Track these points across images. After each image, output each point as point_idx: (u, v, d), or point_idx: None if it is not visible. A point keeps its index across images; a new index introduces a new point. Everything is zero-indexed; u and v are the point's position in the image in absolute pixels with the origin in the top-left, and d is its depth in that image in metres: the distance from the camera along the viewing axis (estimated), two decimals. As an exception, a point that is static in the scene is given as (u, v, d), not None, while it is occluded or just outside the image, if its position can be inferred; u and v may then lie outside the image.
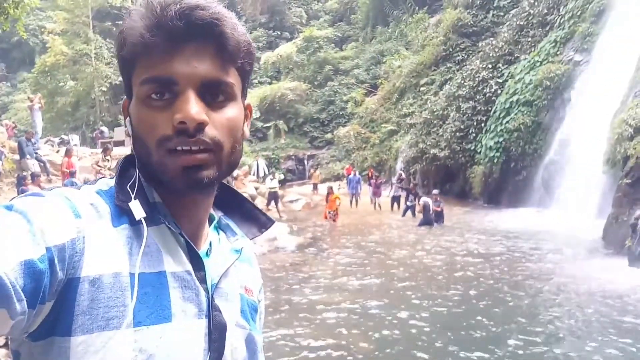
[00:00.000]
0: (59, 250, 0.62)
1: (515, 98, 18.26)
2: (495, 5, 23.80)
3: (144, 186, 0.76)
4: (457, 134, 20.40)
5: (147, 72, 0.71)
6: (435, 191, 15.62)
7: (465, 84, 21.12)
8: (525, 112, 17.64)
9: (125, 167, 0.77)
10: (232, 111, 0.75)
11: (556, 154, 16.17)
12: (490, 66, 20.55)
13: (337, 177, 26.08)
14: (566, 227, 12.77)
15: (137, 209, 0.72)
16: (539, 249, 11.10)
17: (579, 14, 17.75)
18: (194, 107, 0.69)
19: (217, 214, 0.90)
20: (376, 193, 19.18)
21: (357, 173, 21.27)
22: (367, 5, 33.99)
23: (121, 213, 0.72)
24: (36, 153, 14.27)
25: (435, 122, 21.76)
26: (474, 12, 24.27)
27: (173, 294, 0.72)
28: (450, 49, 24.48)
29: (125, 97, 0.80)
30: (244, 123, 0.80)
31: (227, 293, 0.82)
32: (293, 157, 29.17)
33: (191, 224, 0.79)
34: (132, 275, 0.68)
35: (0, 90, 41.60)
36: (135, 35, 0.70)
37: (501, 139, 18.22)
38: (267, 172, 21.11)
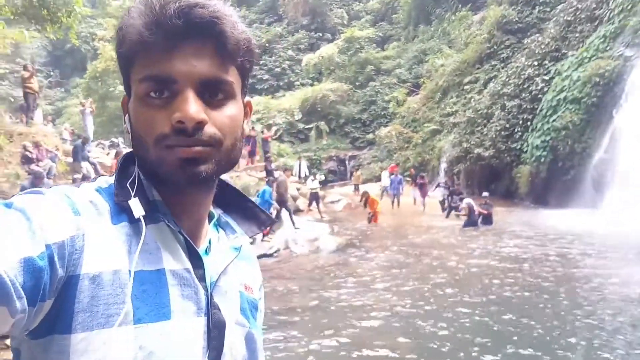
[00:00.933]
0: (59, 247, 0.62)
1: (562, 95, 17.69)
2: (541, 0, 23.14)
3: (144, 184, 0.76)
4: (502, 132, 19.94)
5: (146, 71, 0.71)
6: (484, 194, 15.24)
7: (510, 81, 20.63)
8: (573, 109, 17.06)
9: (125, 165, 0.77)
10: (231, 109, 0.75)
11: (606, 153, 15.57)
12: (536, 63, 19.99)
13: (379, 178, 25.92)
14: (617, 228, 12.27)
15: (137, 207, 0.72)
16: (588, 252, 10.70)
17: (629, 7, 17.04)
18: (193, 107, 0.69)
19: (217, 212, 0.90)
20: (422, 193, 19.00)
21: (398, 173, 21.10)
22: (409, 4, 33.66)
23: (120, 211, 0.73)
24: (88, 156, 14.85)
25: (479, 121, 21.35)
26: (519, 8, 23.67)
27: (172, 292, 0.72)
28: (495, 47, 23.95)
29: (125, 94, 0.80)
30: (243, 121, 0.80)
31: (227, 291, 0.81)
32: (334, 157, 29.19)
33: (190, 222, 0.79)
34: (131, 272, 0.68)
35: (55, 96, 43.39)
36: (134, 33, 0.70)
37: (548, 138, 17.68)
38: (308, 173, 21.22)
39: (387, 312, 7.22)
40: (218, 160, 0.73)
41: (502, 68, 22.57)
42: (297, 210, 15.12)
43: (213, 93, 0.73)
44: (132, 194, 0.73)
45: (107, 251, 0.68)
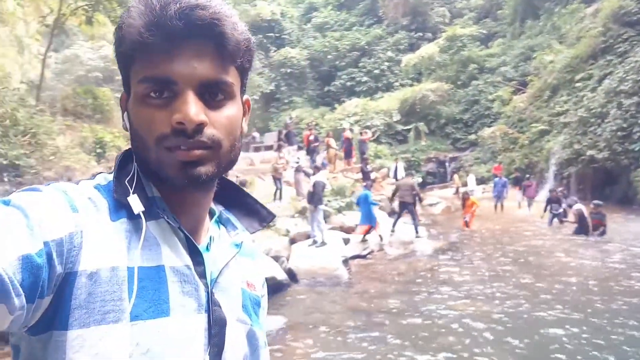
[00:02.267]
0: (57, 244, 0.62)
1: (689, 91, 15.93)
2: (666, -12, 21.00)
3: (143, 181, 0.76)
4: (619, 133, 18.33)
5: (146, 71, 0.71)
6: (595, 201, 13.95)
7: (628, 78, 18.91)
8: None
9: (123, 162, 0.77)
10: (231, 110, 0.75)
11: None
12: (659, 57, 18.18)
13: (482, 181, 24.94)
14: None
15: (136, 203, 0.72)
16: None
17: None
18: (193, 108, 0.69)
19: (218, 209, 0.90)
20: (529, 194, 18.05)
21: (502, 176, 20.18)
22: (516, -1, 32.08)
23: (119, 207, 0.72)
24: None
25: (592, 120, 19.81)
26: (639, -3, 21.65)
27: (172, 288, 0.72)
28: (611, 40, 22.05)
29: (123, 91, 0.80)
30: (242, 119, 0.80)
31: (228, 288, 0.81)
32: (434, 159, 28.52)
33: (190, 218, 0.79)
34: (130, 269, 0.68)
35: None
36: (134, 34, 0.70)
37: (673, 138, 16.01)
38: (404, 175, 20.93)
39: (483, 320, 6.94)
40: (218, 162, 0.74)
41: (619, 63, 20.72)
42: (393, 212, 14.96)
43: (213, 94, 0.73)
44: (131, 191, 0.73)
45: (106, 248, 0.68)
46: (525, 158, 24.18)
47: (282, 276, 9.02)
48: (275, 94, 35.26)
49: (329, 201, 13.89)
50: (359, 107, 30.47)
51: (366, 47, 35.82)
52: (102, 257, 0.67)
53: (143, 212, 0.72)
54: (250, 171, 17.55)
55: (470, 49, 31.78)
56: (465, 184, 21.88)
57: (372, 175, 18.60)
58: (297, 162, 14.92)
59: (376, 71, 34.86)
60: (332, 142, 19.95)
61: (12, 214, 0.61)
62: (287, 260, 10.14)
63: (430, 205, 20.33)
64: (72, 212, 0.67)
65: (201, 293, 0.75)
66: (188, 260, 0.76)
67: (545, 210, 15.58)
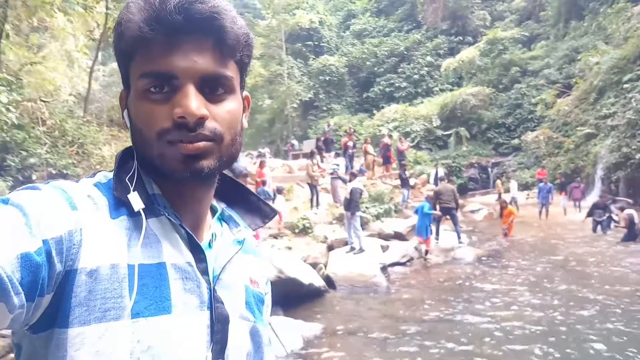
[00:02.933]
0: (57, 242, 0.62)
1: None
2: None
3: (143, 178, 0.76)
4: (671, 135, 17.55)
5: (146, 66, 0.71)
6: None
7: (681, 77, 18.10)
8: None
9: (124, 160, 0.77)
10: (231, 104, 0.75)
11: None
12: None
13: (525, 186, 24.30)
14: None
15: (136, 200, 0.71)
16: None
17: None
18: (194, 102, 0.69)
19: (220, 206, 0.89)
20: (575, 196, 17.45)
21: (547, 181, 19.61)
22: (559, 0, 31.21)
23: (119, 205, 0.72)
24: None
25: (642, 123, 19.03)
26: (691, -7, 20.72)
27: (173, 286, 0.71)
28: (662, 39, 21.18)
29: (123, 89, 0.80)
30: (242, 115, 0.80)
31: (231, 285, 0.80)
32: (476, 164, 27.98)
33: (192, 215, 0.79)
34: (130, 266, 0.68)
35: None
36: (134, 29, 0.70)
37: None
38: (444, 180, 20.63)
39: (524, 330, 6.74)
40: (219, 156, 0.74)
41: (671, 63, 19.87)
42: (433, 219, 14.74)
43: (213, 88, 0.73)
44: (131, 188, 0.73)
45: (106, 245, 0.67)
46: (570, 162, 23.41)
47: (319, 283, 9.02)
48: (313, 101, 35.44)
49: (366, 208, 13.82)
50: (398, 113, 30.27)
51: (405, 52, 35.59)
52: (102, 255, 0.67)
53: (143, 209, 0.72)
54: (288, 178, 17.66)
55: (512, 52, 31.10)
56: (507, 190, 21.31)
57: (412, 182, 18.41)
58: (334, 169, 14.89)
59: (415, 76, 34.58)
60: (370, 148, 19.86)
61: (11, 212, 0.61)
62: (325, 266, 10.14)
63: (472, 211, 19.95)
64: (71, 210, 0.66)
65: (203, 290, 0.75)
66: (190, 257, 0.75)
67: (588, 216, 15.01)
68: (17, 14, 10.03)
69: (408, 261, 11.52)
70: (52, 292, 0.63)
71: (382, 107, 32.57)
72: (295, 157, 25.05)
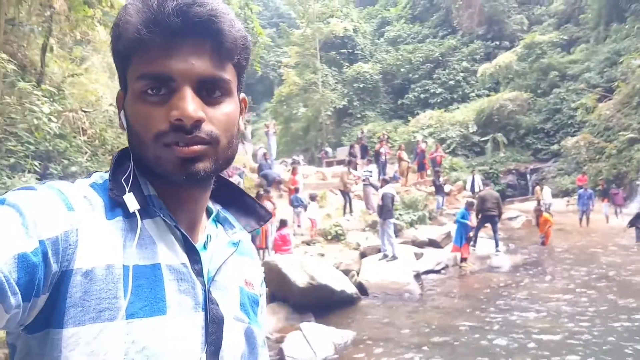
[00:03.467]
0: (53, 243, 0.62)
1: None
2: None
3: (139, 180, 0.76)
4: None
5: (144, 68, 0.71)
6: None
7: None
8: None
9: (120, 161, 0.77)
10: (228, 107, 0.75)
11: None
12: None
13: (566, 193, 23.63)
14: None
15: (131, 201, 0.72)
16: None
17: None
18: (191, 105, 0.69)
19: (216, 208, 0.90)
20: (617, 202, 16.88)
21: (587, 187, 19.02)
22: (599, 2, 30.30)
23: (115, 206, 0.72)
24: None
25: (689, 126, 18.28)
26: None
27: (168, 287, 0.71)
28: None
29: (120, 90, 0.80)
30: (239, 117, 0.80)
31: (225, 286, 0.80)
32: (514, 171, 27.36)
33: (187, 217, 0.79)
34: (125, 267, 0.68)
35: (247, 120, 48.12)
36: (132, 31, 0.70)
37: None
38: (482, 188, 20.28)
39: (562, 341, 6.55)
40: (216, 158, 0.74)
41: None
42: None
43: (210, 91, 0.73)
44: (127, 189, 0.73)
45: (101, 246, 0.67)
46: (613, 168, 22.64)
47: (352, 290, 8.99)
48: (348, 109, 35.44)
49: (400, 215, 13.71)
50: (433, 119, 29.96)
51: (440, 58, 35.24)
52: (98, 255, 0.67)
53: (139, 210, 0.72)
54: (322, 185, 17.71)
55: (551, 56, 30.38)
56: (566, 193, 20.67)
57: (447, 189, 18.17)
58: (367, 176, 14.86)
59: (451, 82, 34.17)
60: (404, 154, 19.73)
61: (8, 212, 0.61)
62: (358, 274, 10.11)
63: (510, 219, 19.51)
64: (67, 211, 0.67)
65: (198, 291, 0.75)
66: (184, 259, 0.76)
67: (631, 225, 14.37)
68: (61, 28, 10.42)
69: (443, 269, 11.36)
70: (47, 292, 0.63)
71: (417, 114, 32.29)
72: (329, 164, 25.08)
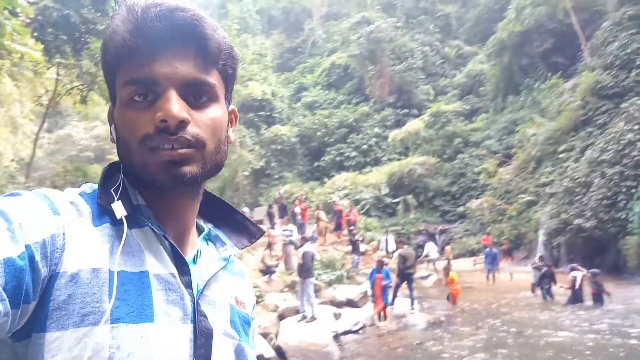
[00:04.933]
0: (40, 246, 0.62)
1: (669, 159, 16.35)
2: (637, 64, 22.08)
3: (128, 190, 0.76)
4: (604, 202, 18.57)
5: (130, 74, 0.72)
6: (593, 270, 13.55)
7: (609, 148, 19.46)
8: (684, 174, 15.63)
9: (110, 173, 0.77)
10: (214, 111, 0.75)
11: None
12: (636, 127, 18.78)
13: (472, 252, 24.84)
14: None
15: (119, 208, 0.71)
16: None
17: None
18: (175, 105, 0.70)
19: (207, 226, 0.89)
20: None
21: (492, 246, 20.13)
22: (497, 76, 33.50)
23: (103, 213, 0.72)
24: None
25: (577, 190, 20.12)
26: (614, 72, 22.69)
27: (156, 295, 0.70)
28: (590, 113, 22.89)
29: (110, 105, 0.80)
30: (228, 126, 0.81)
31: (215, 301, 0.79)
32: (424, 232, 28.49)
33: (176, 228, 0.79)
34: (111, 272, 0.67)
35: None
36: (118, 39, 0.71)
37: (657, 206, 16.22)
38: (395, 248, 20.85)
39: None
40: (203, 163, 0.74)
41: (600, 134, 21.39)
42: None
43: (197, 95, 0.74)
44: (116, 198, 0.73)
45: (88, 250, 0.67)
46: (514, 229, 24.27)
47: (270, 354, 8.73)
48: (265, 169, 35.63)
49: (319, 274, 13.70)
50: (348, 181, 30.82)
51: (354, 123, 36.78)
52: (84, 259, 0.66)
53: (127, 219, 0.71)
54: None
55: (455, 124, 32.74)
56: (472, 253, 21.65)
57: (362, 248, 18.50)
58: (287, 235, 14.84)
59: (364, 146, 35.60)
60: (322, 214, 19.99)
61: None
62: (276, 336, 9.86)
63: (422, 278, 20.08)
64: (53, 215, 0.66)
65: (187, 302, 0.73)
66: (173, 269, 0.74)
67: (537, 285, 15.13)
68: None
69: (361, 329, 11.36)
70: (37, 298, 0.62)
71: (333, 176, 33.12)
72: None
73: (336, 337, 9.89)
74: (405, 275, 12.98)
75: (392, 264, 17.81)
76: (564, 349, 8.88)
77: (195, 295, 0.76)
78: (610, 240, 18.33)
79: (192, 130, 0.71)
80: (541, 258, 17.21)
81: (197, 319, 0.74)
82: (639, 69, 21.93)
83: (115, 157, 0.80)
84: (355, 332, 11.14)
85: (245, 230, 0.92)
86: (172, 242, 0.75)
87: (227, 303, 0.83)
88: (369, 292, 12.75)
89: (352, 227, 18.72)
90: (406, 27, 41.26)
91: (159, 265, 0.73)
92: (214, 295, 0.80)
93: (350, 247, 17.87)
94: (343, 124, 36.74)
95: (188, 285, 0.75)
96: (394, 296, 12.94)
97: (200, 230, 0.88)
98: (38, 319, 0.63)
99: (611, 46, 23.31)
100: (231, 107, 0.84)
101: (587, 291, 13.35)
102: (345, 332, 10.79)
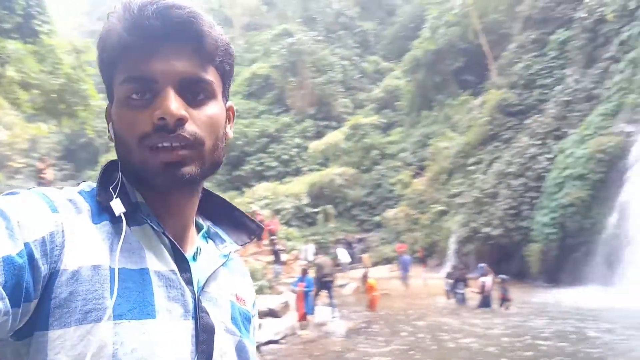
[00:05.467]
0: (40, 244, 0.61)
1: (567, 173, 17.86)
2: (538, 83, 24.00)
3: (127, 188, 0.76)
4: (510, 211, 19.93)
5: (127, 72, 0.71)
6: (502, 276, 14.26)
7: (514, 161, 20.95)
8: (579, 186, 17.14)
9: (108, 171, 0.77)
10: (212, 109, 0.75)
11: (616, 228, 15.40)
12: (538, 142, 20.40)
13: (388, 260, 25.61)
14: (633, 305, 11.89)
15: (118, 206, 0.71)
16: (605, 330, 10.32)
17: (626, 85, 17.60)
18: (173, 103, 0.69)
19: (206, 224, 0.89)
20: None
21: (405, 254, 20.85)
22: (412, 92, 35.02)
23: (102, 211, 0.72)
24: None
25: (485, 200, 21.42)
26: (518, 91, 24.52)
27: (157, 292, 0.70)
28: (497, 128, 24.58)
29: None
30: (226, 123, 0.80)
31: (216, 298, 0.79)
32: (342, 240, 28.98)
33: (176, 225, 0.78)
34: (112, 269, 0.66)
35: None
36: (115, 37, 0.71)
37: (556, 215, 17.62)
38: (315, 256, 21.03)
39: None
40: (202, 162, 0.73)
41: (505, 148, 22.99)
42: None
43: (194, 93, 0.73)
44: (115, 195, 0.73)
45: (88, 247, 0.67)
46: (427, 237, 25.34)
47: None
48: (182, 178, 34.83)
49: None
50: (269, 191, 30.76)
51: (275, 133, 36.88)
52: (84, 256, 0.65)
53: (126, 216, 0.71)
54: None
55: (372, 137, 33.76)
56: (389, 261, 22.19)
57: (283, 257, 18.50)
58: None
59: (285, 156, 35.76)
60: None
61: None
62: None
63: (340, 286, 20.37)
64: (51, 212, 0.66)
65: (188, 299, 0.73)
66: (173, 266, 0.74)
67: (450, 291, 15.79)
68: None
69: (282, 338, 11.31)
70: (38, 297, 0.62)
71: (253, 185, 32.93)
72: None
73: (257, 347, 9.79)
74: (323, 283, 13.18)
75: (313, 272, 17.99)
76: (477, 352, 9.36)
77: (196, 292, 0.76)
78: (516, 248, 19.65)
79: (190, 128, 0.71)
80: (454, 267, 18.01)
81: (199, 315, 0.74)
82: (541, 88, 23.85)
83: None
84: (277, 342, 11.08)
85: (244, 227, 0.92)
86: (172, 239, 0.75)
87: (227, 300, 0.83)
88: (290, 302, 12.78)
89: (273, 237, 18.68)
90: (326, 41, 42.18)
91: (159, 263, 0.73)
92: (214, 292, 0.80)
93: (272, 257, 17.80)
94: (264, 133, 36.73)
95: (189, 282, 0.75)
96: (314, 305, 13.06)
97: (199, 227, 0.88)
98: (40, 317, 0.62)
99: (516, 66, 25.23)
100: (229, 103, 0.84)
101: (495, 295, 14.19)
102: (267, 342, 10.70)
